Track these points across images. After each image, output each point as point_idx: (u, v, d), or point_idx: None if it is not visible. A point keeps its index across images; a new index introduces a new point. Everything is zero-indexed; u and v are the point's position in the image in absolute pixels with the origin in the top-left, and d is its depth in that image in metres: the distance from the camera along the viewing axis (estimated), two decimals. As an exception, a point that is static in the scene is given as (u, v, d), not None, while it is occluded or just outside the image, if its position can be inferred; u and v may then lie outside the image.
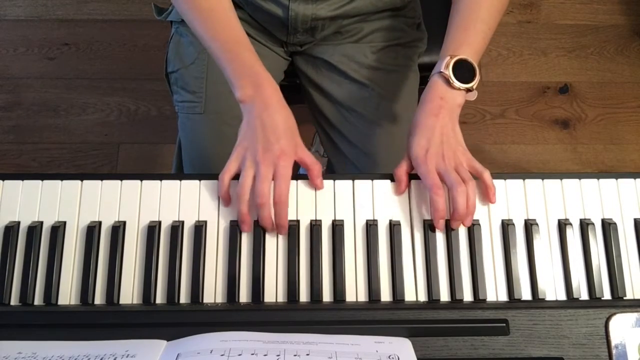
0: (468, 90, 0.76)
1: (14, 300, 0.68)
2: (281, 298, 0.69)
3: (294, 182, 0.72)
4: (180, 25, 1.01)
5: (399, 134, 0.98)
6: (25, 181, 0.72)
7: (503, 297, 0.69)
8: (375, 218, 0.72)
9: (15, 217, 0.70)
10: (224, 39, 0.78)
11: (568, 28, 1.89)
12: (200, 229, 0.70)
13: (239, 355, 0.52)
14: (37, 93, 1.75)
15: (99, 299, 0.68)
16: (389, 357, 0.54)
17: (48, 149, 1.70)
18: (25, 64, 1.78)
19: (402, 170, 0.73)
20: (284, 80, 1.05)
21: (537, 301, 0.68)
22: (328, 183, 0.73)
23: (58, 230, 0.69)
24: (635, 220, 0.72)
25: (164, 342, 0.57)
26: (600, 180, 0.74)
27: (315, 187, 0.73)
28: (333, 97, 1.00)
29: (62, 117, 1.73)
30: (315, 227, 0.70)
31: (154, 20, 1.07)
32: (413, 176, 0.73)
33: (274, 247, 0.70)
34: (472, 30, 0.79)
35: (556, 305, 0.66)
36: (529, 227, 0.71)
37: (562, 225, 0.71)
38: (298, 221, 0.71)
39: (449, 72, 0.75)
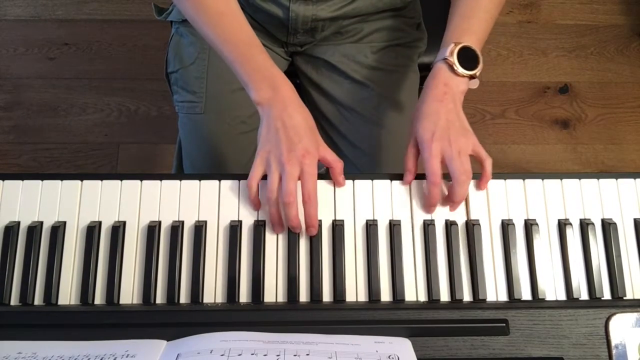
0: (471, 77, 0.76)
1: (14, 300, 0.68)
2: (281, 298, 0.69)
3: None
4: (180, 25, 1.01)
5: (399, 133, 0.98)
6: (25, 181, 0.72)
7: (503, 297, 0.69)
8: (375, 218, 0.72)
9: (15, 217, 0.70)
10: (236, 42, 0.78)
11: (568, 28, 1.89)
12: (200, 229, 0.70)
13: (239, 355, 0.52)
14: (37, 93, 1.75)
15: (99, 299, 0.68)
16: (389, 357, 0.54)
17: (48, 149, 1.70)
18: (25, 64, 1.78)
19: (411, 161, 0.73)
20: (284, 80, 1.05)
21: (537, 301, 0.68)
22: (328, 183, 0.73)
23: (58, 230, 0.69)
24: (635, 220, 0.72)
25: (164, 342, 0.57)
26: (600, 180, 0.74)
27: (337, 185, 0.73)
28: (333, 97, 1.00)
29: (62, 117, 1.73)
30: (315, 227, 0.70)
31: (154, 20, 1.07)
32: (416, 177, 0.73)
33: (274, 247, 0.70)
34: (474, 19, 0.79)
35: (556, 305, 0.66)
36: (529, 227, 0.71)
37: (562, 225, 0.71)
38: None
39: (454, 59, 0.75)
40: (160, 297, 0.68)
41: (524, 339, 0.59)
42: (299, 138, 0.71)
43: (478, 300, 0.68)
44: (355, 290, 0.69)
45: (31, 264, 0.68)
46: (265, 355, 0.52)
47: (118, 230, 0.69)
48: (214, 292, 0.68)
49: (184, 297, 0.68)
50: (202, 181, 0.73)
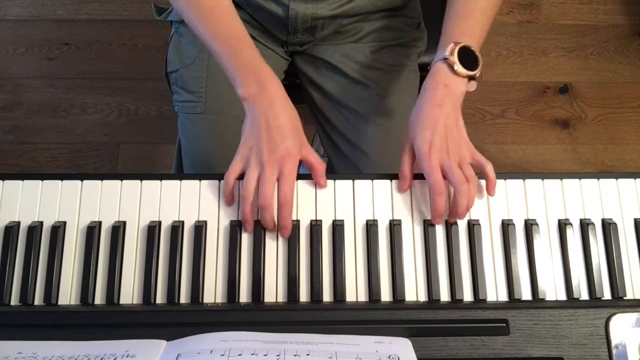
0: (471, 78, 0.75)
1: (14, 300, 0.68)
2: (281, 298, 0.68)
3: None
4: (180, 25, 1.01)
5: (399, 133, 0.98)
6: (25, 181, 0.72)
7: (503, 297, 0.69)
8: (375, 218, 0.72)
9: (15, 217, 0.70)
10: (225, 36, 0.77)
11: (568, 28, 1.89)
12: (200, 229, 0.70)
13: (239, 355, 0.52)
14: (37, 93, 1.75)
15: (99, 299, 0.68)
16: (389, 357, 0.54)
17: (48, 149, 1.70)
18: (25, 64, 1.78)
19: (407, 168, 0.73)
20: (284, 80, 1.05)
21: (537, 301, 0.68)
22: (328, 183, 0.73)
23: (58, 230, 0.69)
24: (635, 220, 0.72)
25: (164, 342, 0.57)
26: (600, 180, 0.74)
27: (319, 187, 0.73)
28: (333, 97, 1.00)
29: (62, 117, 1.73)
30: (315, 227, 0.70)
31: (154, 20, 1.07)
32: (415, 176, 0.73)
33: (274, 247, 0.70)
34: (472, 20, 0.79)
35: (556, 305, 0.66)
36: (529, 227, 0.71)
37: (562, 225, 0.71)
38: (298, 221, 0.71)
39: (455, 58, 0.74)
40: (160, 297, 0.68)
41: (524, 339, 0.59)
42: (281, 138, 0.70)
43: (478, 300, 0.68)
44: (356, 290, 0.69)
45: (31, 264, 0.68)
46: (265, 355, 0.52)
47: (118, 230, 0.69)
48: (214, 292, 0.68)
49: (184, 297, 0.68)
50: (202, 181, 0.73)
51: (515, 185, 0.73)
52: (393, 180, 0.74)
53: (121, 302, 0.68)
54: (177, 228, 0.70)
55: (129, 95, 1.75)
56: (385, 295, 0.69)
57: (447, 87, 0.74)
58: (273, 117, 0.72)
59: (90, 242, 0.69)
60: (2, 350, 0.55)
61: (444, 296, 0.69)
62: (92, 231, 0.69)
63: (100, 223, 0.70)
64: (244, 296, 0.68)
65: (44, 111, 1.73)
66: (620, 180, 0.74)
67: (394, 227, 0.70)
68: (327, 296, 0.68)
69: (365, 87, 0.98)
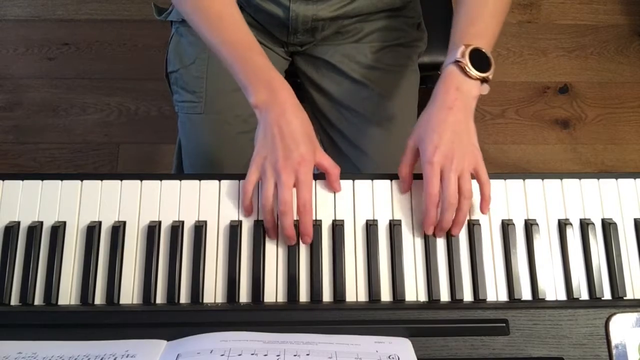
0: (483, 80, 0.74)
1: (14, 300, 0.68)
2: (281, 298, 0.69)
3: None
4: (180, 25, 1.01)
5: (399, 133, 0.98)
6: (25, 181, 0.72)
7: (503, 297, 0.69)
8: (375, 218, 0.72)
9: (15, 217, 0.70)
10: (235, 43, 0.77)
11: (568, 28, 1.89)
12: (200, 229, 0.70)
13: (239, 355, 0.52)
14: (37, 93, 1.75)
15: (99, 299, 0.68)
16: (389, 357, 0.54)
17: (48, 149, 1.69)
18: (25, 64, 1.78)
19: (407, 169, 0.72)
20: (284, 80, 1.05)
21: (537, 301, 0.68)
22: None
23: (58, 230, 0.69)
24: (635, 220, 0.72)
25: (164, 342, 0.57)
26: (600, 180, 0.74)
27: (334, 191, 0.73)
28: (333, 97, 1.00)
29: (62, 117, 1.72)
30: (315, 227, 0.70)
31: (154, 20, 1.07)
32: (414, 176, 0.73)
33: (274, 247, 0.70)
34: (482, 23, 0.78)
35: (556, 305, 0.66)
36: (529, 227, 0.71)
37: (562, 225, 0.71)
38: (298, 221, 0.71)
39: (466, 60, 0.72)
40: (160, 297, 0.68)
41: (524, 339, 0.59)
42: (295, 145, 0.70)
43: (478, 300, 0.68)
44: (355, 290, 0.69)
45: (31, 264, 0.68)
46: (265, 355, 0.52)
47: (118, 230, 0.69)
48: (214, 292, 0.68)
49: (184, 297, 0.68)
50: (202, 181, 0.73)
51: (515, 185, 0.73)
52: (393, 180, 0.74)
53: (121, 302, 0.68)
54: (177, 228, 0.70)
55: (129, 95, 1.75)
56: (385, 295, 0.69)
57: (459, 90, 0.73)
58: (286, 124, 0.71)
59: (90, 242, 0.69)
60: (2, 350, 0.55)
61: (444, 296, 0.69)
62: (92, 231, 0.69)
63: (100, 223, 0.70)
64: (244, 296, 0.68)
65: (44, 111, 1.73)
66: (620, 180, 0.74)
67: (394, 227, 0.70)
68: (327, 296, 0.68)
69: (366, 87, 0.98)
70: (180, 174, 0.99)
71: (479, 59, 0.74)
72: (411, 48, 1.03)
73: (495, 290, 0.69)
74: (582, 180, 0.74)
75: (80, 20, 1.84)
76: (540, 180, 0.74)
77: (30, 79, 1.76)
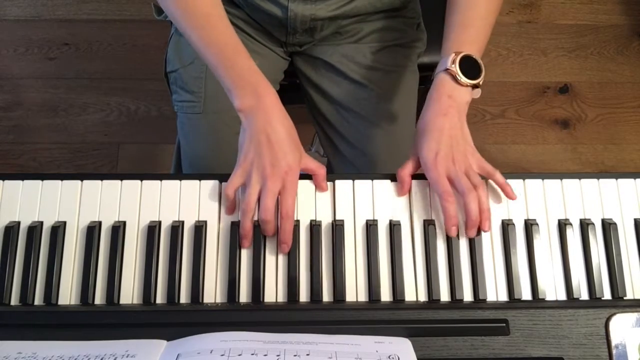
0: (474, 86, 0.75)
1: (14, 300, 0.68)
2: (281, 298, 0.68)
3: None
4: (180, 25, 1.00)
5: (398, 134, 0.98)
6: (25, 181, 0.72)
7: (503, 297, 0.69)
8: (375, 218, 0.72)
9: (15, 217, 0.70)
10: (221, 46, 0.76)
11: (568, 28, 1.89)
12: (200, 229, 0.70)
13: (239, 355, 0.52)
14: (37, 93, 1.75)
15: (99, 299, 0.68)
16: (389, 357, 0.54)
17: (48, 149, 1.70)
18: (25, 64, 1.78)
19: (406, 172, 0.73)
20: (283, 80, 1.05)
21: (537, 301, 0.68)
22: (328, 183, 0.73)
23: (58, 230, 0.69)
24: (635, 220, 0.72)
25: (164, 342, 0.57)
26: (600, 180, 0.74)
27: (320, 190, 0.73)
28: (332, 98, 1.00)
29: (62, 117, 1.73)
30: (315, 227, 0.70)
31: (154, 20, 1.07)
32: (414, 176, 0.73)
33: (274, 247, 0.70)
34: (472, 28, 0.79)
35: (556, 305, 0.66)
36: (529, 227, 0.71)
37: (562, 225, 0.71)
38: (298, 221, 0.71)
39: (456, 69, 0.74)
40: (160, 297, 0.68)
41: (524, 339, 0.59)
42: (283, 154, 0.71)
43: (478, 300, 0.68)
44: (355, 290, 0.69)
45: (31, 264, 0.68)
46: (265, 355, 0.52)
47: (118, 230, 0.69)
48: (214, 292, 0.68)
49: (184, 297, 0.68)
50: (202, 181, 0.73)
51: (515, 185, 0.73)
52: (393, 181, 0.73)
53: (121, 302, 0.68)
54: (177, 228, 0.70)
55: (129, 95, 1.75)
56: (385, 295, 0.69)
57: (451, 98, 0.74)
58: (272, 131, 0.72)
59: (90, 242, 0.69)
60: (2, 350, 0.55)
61: (444, 296, 0.69)
62: (92, 231, 0.69)
63: (100, 223, 0.70)
64: (244, 296, 0.68)
65: (44, 111, 1.73)
66: (620, 180, 0.74)
67: (394, 227, 0.70)
68: (327, 296, 0.68)
69: (365, 87, 0.98)
70: (180, 174, 0.99)
71: (470, 66, 0.75)
72: (410, 48, 1.03)
73: (495, 290, 0.69)
74: (582, 180, 0.74)
75: (80, 20, 1.84)
76: (540, 180, 0.74)
77: (30, 79, 1.76)
